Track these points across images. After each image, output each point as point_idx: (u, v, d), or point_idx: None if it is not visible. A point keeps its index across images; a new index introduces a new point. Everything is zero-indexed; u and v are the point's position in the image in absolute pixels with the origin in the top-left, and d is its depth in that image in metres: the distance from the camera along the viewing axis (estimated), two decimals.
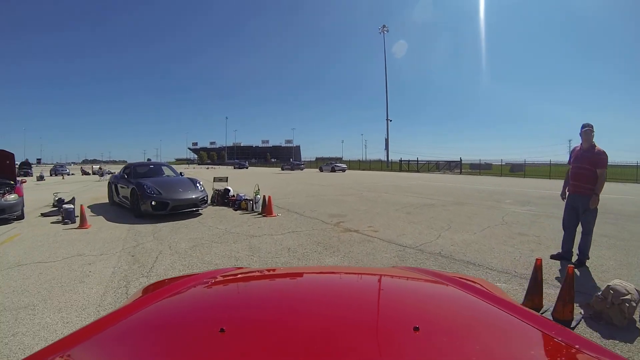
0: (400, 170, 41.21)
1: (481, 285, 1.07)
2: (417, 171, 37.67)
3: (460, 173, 33.78)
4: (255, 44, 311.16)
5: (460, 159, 36.00)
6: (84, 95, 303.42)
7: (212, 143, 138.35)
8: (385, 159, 52.67)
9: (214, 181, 11.81)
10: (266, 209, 8.21)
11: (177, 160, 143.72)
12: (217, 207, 9.43)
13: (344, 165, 39.60)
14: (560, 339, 0.69)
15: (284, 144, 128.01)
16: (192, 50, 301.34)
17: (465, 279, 1.12)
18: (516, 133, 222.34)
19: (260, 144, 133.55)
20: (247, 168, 53.90)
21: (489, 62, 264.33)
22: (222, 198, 9.98)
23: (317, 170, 41.81)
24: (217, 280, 1.08)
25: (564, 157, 29.98)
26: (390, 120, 53.17)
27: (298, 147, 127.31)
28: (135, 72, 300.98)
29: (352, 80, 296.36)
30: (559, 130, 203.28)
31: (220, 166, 73.52)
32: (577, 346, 0.66)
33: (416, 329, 0.67)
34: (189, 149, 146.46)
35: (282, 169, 44.32)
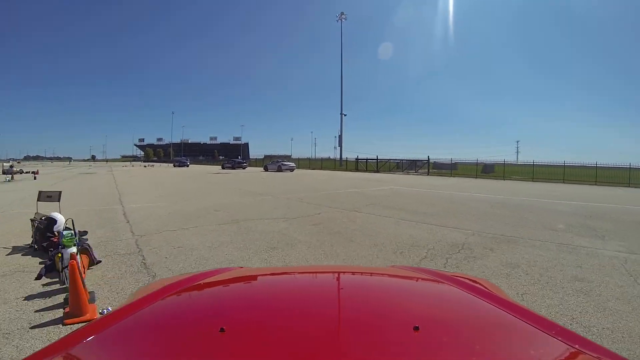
0: (357, 169, 36.50)
1: (482, 284, 1.06)
2: (377, 171, 33.18)
3: (428, 174, 29.80)
4: (204, 39, 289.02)
5: (429, 158, 32.01)
6: (23, 86, 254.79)
7: (159, 139, 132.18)
8: (339, 157, 46.63)
9: (38, 199, 5.48)
10: (76, 298, 2.61)
11: (123, 157, 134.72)
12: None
13: (292, 164, 33.59)
14: (560, 338, 0.68)
15: (232, 141, 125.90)
16: (138, 43, 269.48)
17: (465, 279, 1.10)
18: (461, 133, 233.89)
19: (208, 141, 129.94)
20: (187, 166, 47.04)
21: (443, 62, 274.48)
22: (44, 237, 4.44)
23: (262, 169, 35.84)
24: (217, 279, 1.09)
25: (511, 157, 27.05)
26: (345, 115, 47.00)
27: (246, 145, 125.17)
28: (80, 63, 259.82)
29: (303, 77, 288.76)
30: (505, 132, 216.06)
31: (162, 164, 67.28)
32: (577, 346, 0.66)
33: (416, 328, 0.66)
34: (135, 145, 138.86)
35: (223, 168, 38.92)
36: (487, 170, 28.84)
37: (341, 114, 45.52)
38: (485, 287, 1.03)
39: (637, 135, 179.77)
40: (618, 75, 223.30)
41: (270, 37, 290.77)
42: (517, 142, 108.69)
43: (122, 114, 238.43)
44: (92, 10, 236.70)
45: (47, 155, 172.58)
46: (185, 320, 0.81)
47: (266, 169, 33.22)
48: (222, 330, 0.66)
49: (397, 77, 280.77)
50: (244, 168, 38.74)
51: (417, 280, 1.12)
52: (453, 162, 30.56)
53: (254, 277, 1.21)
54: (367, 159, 37.15)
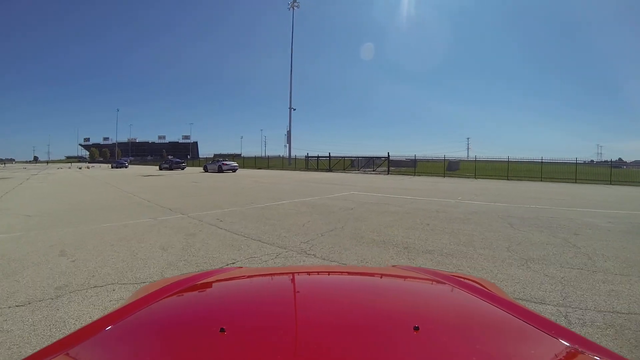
0: (307, 168, 32.29)
1: (482, 284, 1.05)
2: (329, 170, 29.45)
3: (389, 173, 26.38)
4: (152, 35, 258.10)
5: (389, 155, 28.42)
6: None
7: (105, 139, 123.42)
8: (287, 155, 40.60)
9: None
10: None
11: (68, 158, 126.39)
12: None
13: (234, 164, 28.74)
14: (560, 338, 0.67)
15: (181, 140, 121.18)
16: (83, 41, 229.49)
17: (465, 278, 1.10)
18: (409, 130, 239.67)
19: (157, 140, 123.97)
20: (127, 167, 42.71)
21: (395, 66, 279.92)
22: None
23: (202, 169, 30.45)
24: (217, 279, 1.09)
25: (462, 154, 24.86)
26: (294, 109, 42.21)
27: (195, 143, 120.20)
28: (21, 62, 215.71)
29: (256, 74, 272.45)
30: (454, 131, 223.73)
31: (105, 165, 63.30)
32: (577, 346, 0.66)
33: (416, 328, 0.66)
34: (81, 145, 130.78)
35: (160, 168, 35.05)
36: (452, 168, 26.12)
37: (290, 108, 40.63)
38: (486, 287, 1.02)
39: (578, 133, 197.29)
40: (557, 77, 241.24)
41: (221, 33, 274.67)
42: (468, 139, 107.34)
43: (68, 113, 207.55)
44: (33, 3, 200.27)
45: None
46: (185, 320, 0.80)
47: (206, 170, 28.57)
48: (222, 330, 0.65)
49: (353, 78, 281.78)
50: (182, 169, 34.94)
51: (417, 280, 1.11)
52: (413, 159, 27.46)
53: (254, 277, 1.19)
54: (318, 157, 33.06)
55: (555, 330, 0.70)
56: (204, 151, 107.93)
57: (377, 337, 0.66)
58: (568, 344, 0.66)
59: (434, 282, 1.06)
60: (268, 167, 36.47)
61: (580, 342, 0.66)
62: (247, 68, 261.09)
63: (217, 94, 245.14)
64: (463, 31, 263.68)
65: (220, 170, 26.68)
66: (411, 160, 27.75)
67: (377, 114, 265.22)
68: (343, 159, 31.57)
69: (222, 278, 1.10)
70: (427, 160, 28.54)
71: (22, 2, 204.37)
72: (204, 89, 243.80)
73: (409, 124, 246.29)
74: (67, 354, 0.63)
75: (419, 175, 23.58)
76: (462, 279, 1.06)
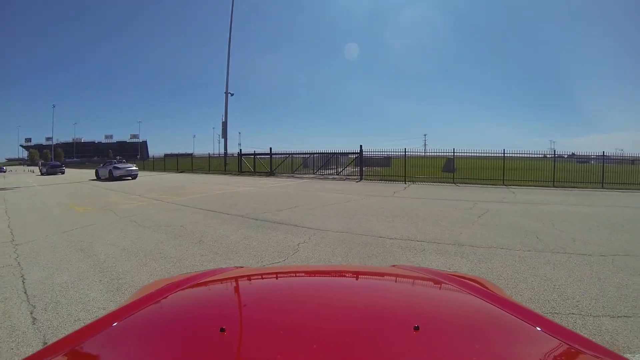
0: (240, 171, 21.96)
1: (482, 284, 1.05)
2: (271, 173, 20.06)
3: (361, 178, 16.67)
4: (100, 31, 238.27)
5: (361, 149, 17.70)
6: None
7: (48, 139, 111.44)
8: (224, 153, 27.32)
9: None
10: None
11: (8, 160, 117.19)
12: None
13: (132, 168, 20.14)
14: (560, 338, 0.67)
15: (129, 140, 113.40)
16: (27, 39, 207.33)
17: (465, 278, 1.09)
18: (365, 129, 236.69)
19: (103, 140, 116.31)
20: (63, 173, 31.57)
21: (355, 64, 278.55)
22: None
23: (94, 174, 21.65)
24: (217, 279, 1.09)
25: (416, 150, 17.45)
26: (231, 94, 28.60)
27: (145, 143, 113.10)
28: None
29: (206, 72, 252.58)
30: (412, 129, 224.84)
31: (33, 168, 53.24)
32: (577, 346, 0.65)
33: (416, 328, 0.66)
34: (22, 146, 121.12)
35: (41, 173, 31.69)
36: (449, 168, 16.61)
37: (226, 92, 27.95)
38: (486, 287, 1.02)
39: (530, 129, 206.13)
40: (509, 79, 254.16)
41: (175, 29, 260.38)
42: (425, 135, 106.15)
43: (9, 113, 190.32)
44: None
45: None
46: (185, 320, 0.80)
47: (97, 175, 20.59)
48: (222, 330, 0.65)
49: (307, 74, 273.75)
50: (62, 173, 30.34)
51: (417, 280, 1.10)
52: (386, 155, 18.04)
53: (254, 277, 1.19)
54: (255, 154, 22.39)
55: (555, 329, 0.70)
56: (156, 151, 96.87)
57: (377, 336, 0.66)
58: (568, 344, 0.65)
59: (434, 282, 1.05)
60: (192, 170, 26.51)
61: (580, 342, 0.66)
62: (200, 67, 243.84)
63: (170, 92, 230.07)
64: (407, 31, 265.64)
65: (110, 175, 18.71)
66: (381, 157, 18.37)
67: (335, 110, 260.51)
68: (291, 156, 20.79)
69: (222, 278, 1.09)
70: (389, 157, 18.68)
71: None
72: (155, 88, 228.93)
73: (365, 123, 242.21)
74: (68, 354, 0.63)
75: (413, 183, 14.33)
76: (462, 279, 1.05)
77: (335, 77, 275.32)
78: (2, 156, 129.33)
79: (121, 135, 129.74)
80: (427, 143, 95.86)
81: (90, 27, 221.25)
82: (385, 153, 17.98)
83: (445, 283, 1.00)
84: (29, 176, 28.97)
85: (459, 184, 14.07)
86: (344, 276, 1.24)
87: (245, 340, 0.66)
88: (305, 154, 20.54)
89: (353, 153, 18.32)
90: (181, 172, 26.87)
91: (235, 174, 21.57)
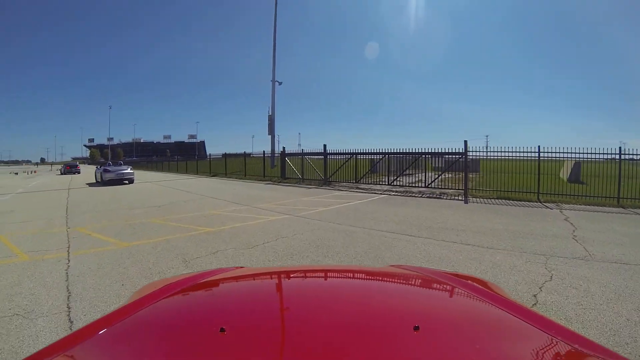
0: (283, 177, 15.93)
1: (482, 284, 1.05)
2: (327, 180, 14.12)
3: (466, 198, 9.56)
4: (159, 37, 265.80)
5: (466, 144, 12.32)
6: None
7: (109, 139, 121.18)
8: (270, 153, 20.79)
9: None
10: None
11: (74, 158, 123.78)
12: None
13: (126, 171, 17.23)
14: (560, 338, 0.67)
15: (187, 140, 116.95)
16: (91, 42, 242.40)
17: (465, 278, 1.09)
18: (422, 130, 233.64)
19: (162, 140, 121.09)
20: (79, 173, 32.98)
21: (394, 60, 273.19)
22: None
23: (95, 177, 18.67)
24: (217, 279, 1.08)
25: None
26: (279, 83, 23.70)
27: (202, 143, 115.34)
28: (29, 64, 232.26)
29: (260, 75, 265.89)
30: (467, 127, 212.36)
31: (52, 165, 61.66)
32: (577, 346, 0.65)
33: (416, 328, 0.65)
34: (85, 146, 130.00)
35: (62, 172, 34.50)
36: (576, 177, 10.36)
37: (273, 80, 23.26)
38: (486, 286, 1.01)
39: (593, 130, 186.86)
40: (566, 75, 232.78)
41: (234, 32, 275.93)
42: (487, 136, 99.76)
43: (75, 115, 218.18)
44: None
45: (4, 159, 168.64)
46: (186, 320, 0.80)
47: (96, 178, 18.74)
48: (222, 330, 0.65)
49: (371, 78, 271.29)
50: (78, 173, 32.39)
51: (417, 280, 1.09)
52: (506, 155, 10.32)
53: (254, 277, 1.18)
54: (303, 153, 16.25)
55: (555, 329, 0.69)
56: (212, 150, 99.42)
57: (377, 336, 0.65)
58: (568, 344, 0.65)
59: (433, 282, 1.05)
60: (225, 174, 21.09)
61: (580, 342, 0.66)
62: (254, 67, 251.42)
63: (230, 93, 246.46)
64: (466, 31, 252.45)
65: (102, 180, 16.54)
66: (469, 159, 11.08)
67: (383, 113, 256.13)
68: (354, 157, 14.17)
69: (222, 278, 1.09)
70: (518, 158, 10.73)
71: (25, 6, 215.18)
72: (213, 89, 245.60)
73: (415, 124, 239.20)
74: (67, 354, 0.63)
75: (566, 207, 7.20)
76: (461, 279, 1.04)
77: (357, 72, 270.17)
78: (68, 155, 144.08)
79: (180, 135, 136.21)
80: (487, 143, 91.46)
81: (144, 35, 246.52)
82: (499, 153, 10.50)
83: (445, 283, 1.00)
84: (37, 178, 27.39)
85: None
86: (344, 276, 1.24)
87: (246, 340, 0.65)
88: (374, 153, 13.76)
89: (450, 153, 11.33)
90: (213, 176, 21.87)
91: (275, 182, 15.91)
